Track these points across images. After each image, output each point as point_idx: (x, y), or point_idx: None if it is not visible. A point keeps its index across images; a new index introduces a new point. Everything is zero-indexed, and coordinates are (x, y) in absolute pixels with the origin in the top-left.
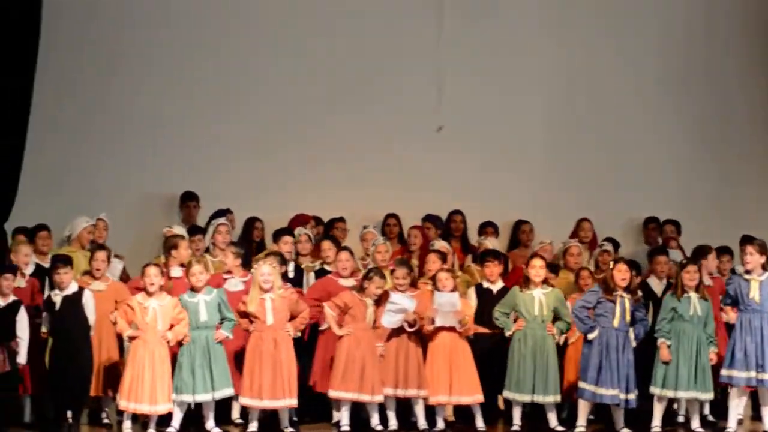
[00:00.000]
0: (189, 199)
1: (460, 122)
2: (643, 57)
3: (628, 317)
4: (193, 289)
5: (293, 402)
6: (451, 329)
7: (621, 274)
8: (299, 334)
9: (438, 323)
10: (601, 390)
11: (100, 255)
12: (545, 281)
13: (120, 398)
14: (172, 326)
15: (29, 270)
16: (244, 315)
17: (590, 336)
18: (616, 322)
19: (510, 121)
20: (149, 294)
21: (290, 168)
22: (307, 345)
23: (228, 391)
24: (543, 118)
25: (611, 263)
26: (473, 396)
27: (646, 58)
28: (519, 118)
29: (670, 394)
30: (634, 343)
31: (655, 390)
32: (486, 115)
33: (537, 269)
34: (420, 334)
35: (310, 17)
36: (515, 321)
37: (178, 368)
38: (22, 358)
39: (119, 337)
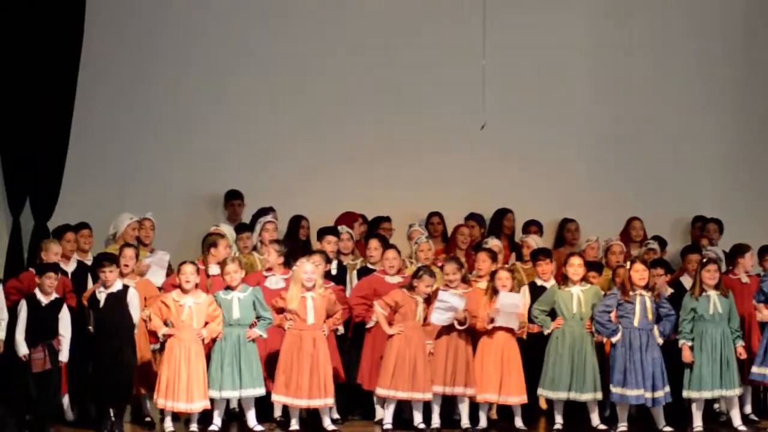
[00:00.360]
0: (233, 198)
1: (505, 120)
2: (692, 56)
3: (650, 315)
4: (228, 287)
5: (330, 401)
6: (508, 329)
7: (638, 274)
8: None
9: (498, 323)
10: (627, 391)
11: (128, 252)
12: (584, 279)
13: (157, 397)
14: (207, 324)
15: (71, 267)
16: (280, 311)
17: (614, 339)
18: (636, 322)
19: (555, 119)
20: (184, 291)
21: (334, 166)
22: (349, 342)
23: (258, 391)
24: (589, 116)
25: (627, 263)
26: (520, 397)
27: (696, 56)
28: (564, 115)
29: (695, 395)
30: (660, 340)
31: (684, 393)
32: (531, 112)
33: (575, 267)
34: (470, 332)
35: (352, 16)
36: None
37: (210, 364)
38: (63, 356)
39: (150, 334)
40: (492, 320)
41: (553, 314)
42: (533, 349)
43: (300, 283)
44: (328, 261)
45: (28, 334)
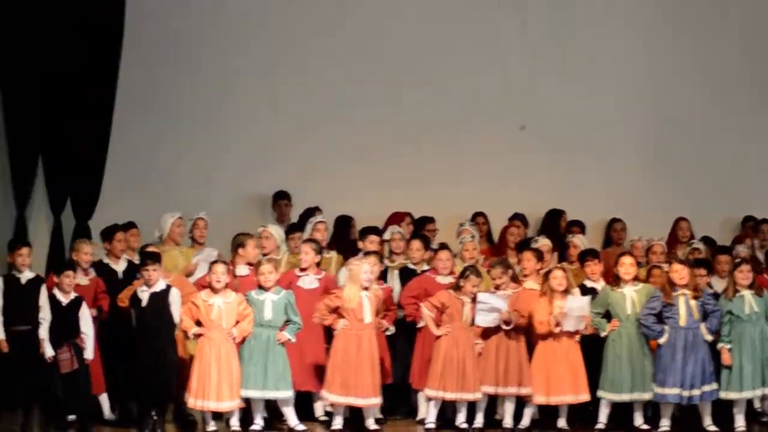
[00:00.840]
0: (281, 198)
1: (551, 119)
2: (740, 55)
3: (696, 314)
4: (261, 287)
5: (379, 400)
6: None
7: (677, 274)
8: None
9: (566, 327)
10: (665, 390)
11: (220, 269)
12: (636, 278)
13: (188, 396)
14: (237, 323)
15: (121, 267)
16: (334, 311)
17: (660, 340)
18: (682, 322)
19: (602, 118)
20: (215, 291)
21: (379, 166)
22: (396, 340)
23: (283, 393)
24: (638, 115)
25: (666, 265)
26: (586, 395)
27: (748, 56)
28: (612, 115)
29: (735, 395)
30: (709, 337)
31: (722, 394)
32: (574, 112)
33: (627, 267)
34: (521, 331)
35: (399, 17)
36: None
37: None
38: (89, 354)
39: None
40: (558, 324)
41: (607, 316)
42: (586, 351)
43: (359, 283)
44: (381, 261)
45: (51, 335)
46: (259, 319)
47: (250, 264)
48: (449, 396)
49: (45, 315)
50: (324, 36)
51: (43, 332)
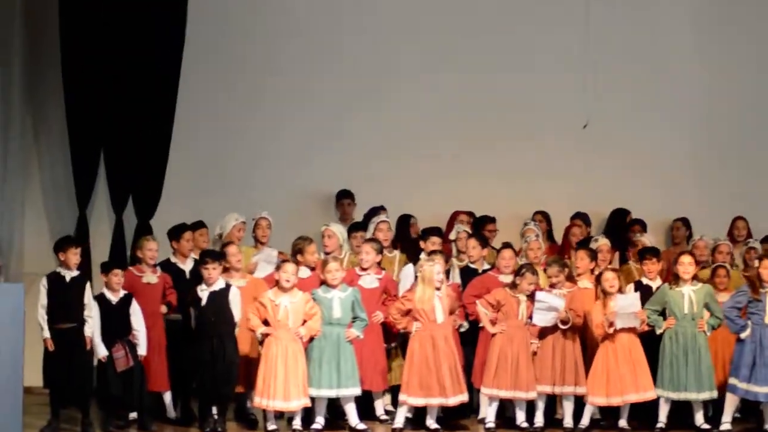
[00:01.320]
0: (344, 197)
1: (611, 118)
2: None
3: None
4: (328, 285)
5: (466, 397)
6: (628, 328)
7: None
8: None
9: (619, 326)
10: (755, 388)
11: (232, 249)
12: (695, 278)
13: (255, 395)
14: (304, 321)
15: (188, 266)
16: (406, 314)
17: (743, 335)
18: (767, 319)
19: (662, 117)
20: (283, 290)
21: (440, 165)
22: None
23: (354, 390)
24: (697, 114)
25: (756, 261)
26: (652, 393)
27: None
28: (671, 113)
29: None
30: None
31: None
32: (637, 110)
33: (686, 266)
34: (577, 331)
35: (458, 15)
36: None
37: (308, 362)
38: (141, 350)
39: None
40: (611, 324)
41: (664, 314)
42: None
43: (432, 285)
44: (447, 261)
45: (104, 335)
46: (328, 318)
47: (312, 268)
48: (503, 394)
49: (90, 312)
50: (387, 36)
51: (89, 330)
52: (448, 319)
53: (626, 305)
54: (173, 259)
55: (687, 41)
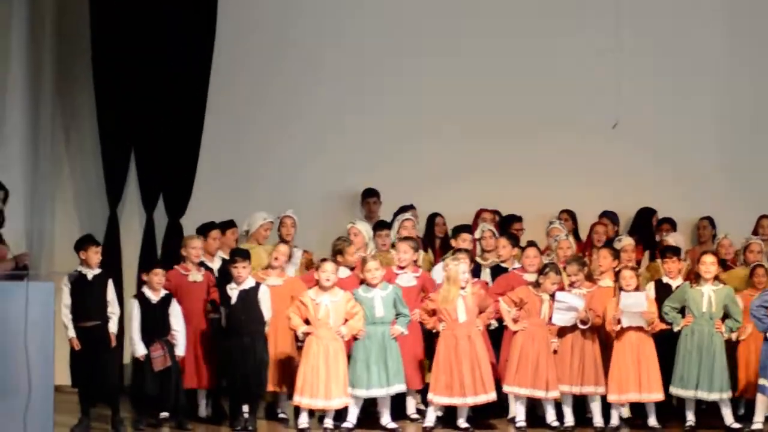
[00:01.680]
0: (369, 196)
1: (639, 118)
2: None
3: None
4: (369, 285)
5: (493, 396)
6: (640, 327)
7: None
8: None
9: (625, 324)
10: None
11: (283, 249)
12: (716, 278)
13: (295, 394)
14: (346, 320)
15: (216, 265)
16: (432, 313)
17: None
18: None
19: (689, 116)
20: (323, 289)
21: (469, 163)
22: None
23: (401, 387)
24: (725, 113)
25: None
26: (657, 394)
27: None
28: (699, 113)
29: None
30: None
31: None
32: (665, 110)
33: (707, 265)
34: (596, 330)
35: (490, 16)
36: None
37: (352, 363)
38: (180, 350)
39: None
40: (618, 321)
41: (683, 312)
42: (662, 347)
43: (458, 284)
44: (473, 260)
45: (143, 334)
46: (371, 317)
47: (351, 268)
48: (523, 392)
49: (114, 310)
50: (412, 34)
51: (113, 327)
52: (472, 318)
53: (630, 304)
54: (201, 258)
55: (719, 40)
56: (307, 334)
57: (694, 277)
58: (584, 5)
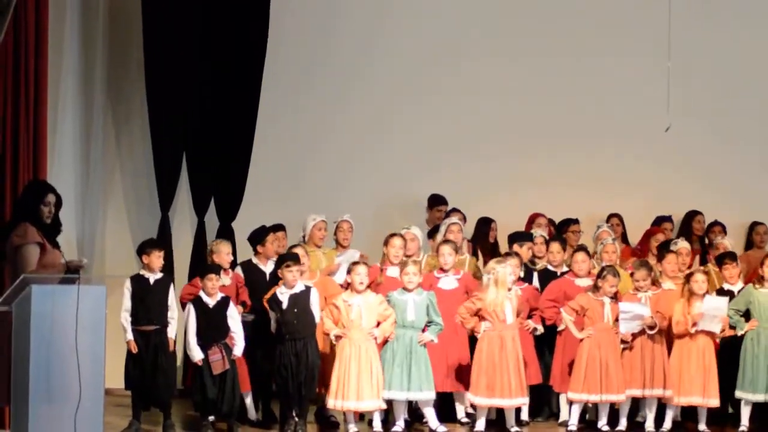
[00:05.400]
0: (439, 203)
1: (689, 122)
2: None
3: None
4: (405, 288)
5: (527, 400)
6: (707, 332)
7: None
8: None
9: (701, 327)
10: None
11: (299, 251)
12: None
13: (328, 397)
14: (378, 323)
15: (269, 268)
16: (476, 313)
17: None
18: None
19: (739, 121)
20: (356, 292)
21: (519, 168)
22: (543, 344)
23: (426, 395)
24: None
25: None
26: (716, 400)
27: None
28: (748, 117)
29: None
30: None
31: None
32: (715, 114)
33: None
34: (664, 334)
35: (532, 17)
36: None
37: (383, 364)
38: (237, 350)
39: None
40: (695, 324)
41: (746, 316)
42: (725, 353)
43: (504, 286)
44: (520, 264)
45: (201, 338)
46: (402, 320)
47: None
48: (593, 398)
49: (174, 315)
50: (464, 39)
51: (172, 331)
52: (516, 321)
53: (713, 308)
54: (254, 261)
55: (761, 45)
56: (339, 336)
57: (757, 279)
58: (637, 10)
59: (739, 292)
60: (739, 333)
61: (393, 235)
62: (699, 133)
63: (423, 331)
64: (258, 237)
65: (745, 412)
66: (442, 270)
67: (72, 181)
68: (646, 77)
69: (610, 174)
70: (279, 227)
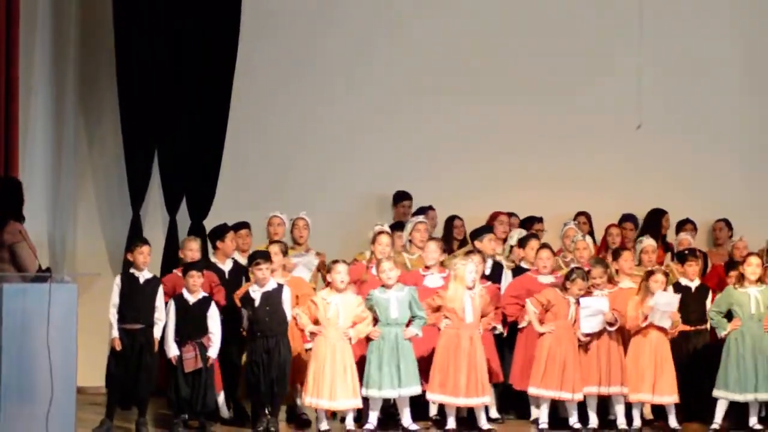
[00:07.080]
0: (403, 199)
1: (658, 121)
2: None
3: None
4: (384, 286)
5: (487, 400)
6: (659, 328)
7: None
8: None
9: (650, 320)
10: None
11: (274, 248)
12: (760, 279)
13: (305, 394)
14: (354, 324)
15: (227, 266)
16: (437, 310)
17: None
18: None
19: (708, 120)
20: (337, 290)
21: (489, 165)
22: (505, 341)
23: (414, 389)
24: (743, 117)
25: None
26: (673, 396)
27: None
28: (717, 117)
29: None
30: None
31: None
32: (684, 113)
33: (753, 267)
34: (620, 331)
35: (512, 16)
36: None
37: (367, 364)
38: (212, 352)
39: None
40: (645, 318)
41: (728, 316)
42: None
43: (464, 283)
44: (483, 261)
45: (178, 334)
46: (386, 318)
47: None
48: (550, 394)
49: (160, 315)
50: (447, 38)
51: (158, 332)
52: (477, 320)
53: (665, 303)
54: (213, 259)
55: (736, 47)
56: (314, 334)
57: (737, 279)
58: (608, 11)
59: (697, 288)
60: (721, 335)
61: (381, 232)
62: (669, 131)
63: (407, 326)
64: (217, 233)
65: (721, 411)
66: (427, 268)
67: (43, 179)
68: (617, 75)
69: (581, 173)
70: (241, 225)
